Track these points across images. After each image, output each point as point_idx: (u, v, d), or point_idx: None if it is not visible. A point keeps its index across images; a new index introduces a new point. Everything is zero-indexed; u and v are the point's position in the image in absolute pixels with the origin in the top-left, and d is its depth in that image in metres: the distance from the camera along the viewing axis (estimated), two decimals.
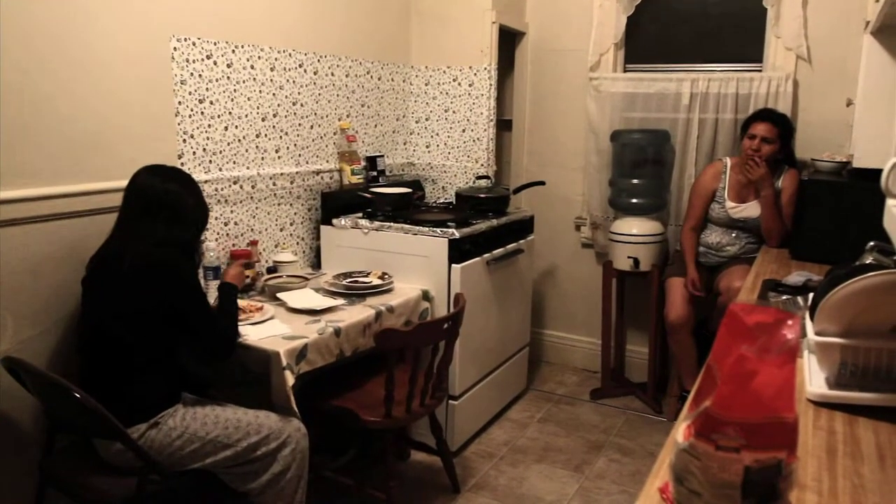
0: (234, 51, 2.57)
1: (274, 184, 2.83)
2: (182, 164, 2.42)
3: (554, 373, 3.91)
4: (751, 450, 0.83)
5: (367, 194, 3.04)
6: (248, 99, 2.67)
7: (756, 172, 2.94)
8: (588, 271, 3.82)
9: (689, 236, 3.20)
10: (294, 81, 2.88)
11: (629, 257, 3.34)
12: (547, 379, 3.82)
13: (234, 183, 2.63)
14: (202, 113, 2.48)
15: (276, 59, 2.77)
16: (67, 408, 1.80)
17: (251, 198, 2.73)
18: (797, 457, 0.87)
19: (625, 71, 3.64)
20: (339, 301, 2.49)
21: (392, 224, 2.86)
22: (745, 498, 0.85)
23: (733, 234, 3.12)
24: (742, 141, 3.06)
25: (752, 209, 3.05)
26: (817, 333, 1.36)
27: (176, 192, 1.96)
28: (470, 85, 3.53)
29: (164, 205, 1.93)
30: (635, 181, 3.38)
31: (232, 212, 2.64)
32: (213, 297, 2.47)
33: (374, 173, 3.31)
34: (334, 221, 2.96)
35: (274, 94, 2.79)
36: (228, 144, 2.60)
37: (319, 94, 3.03)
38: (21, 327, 1.97)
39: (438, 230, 2.77)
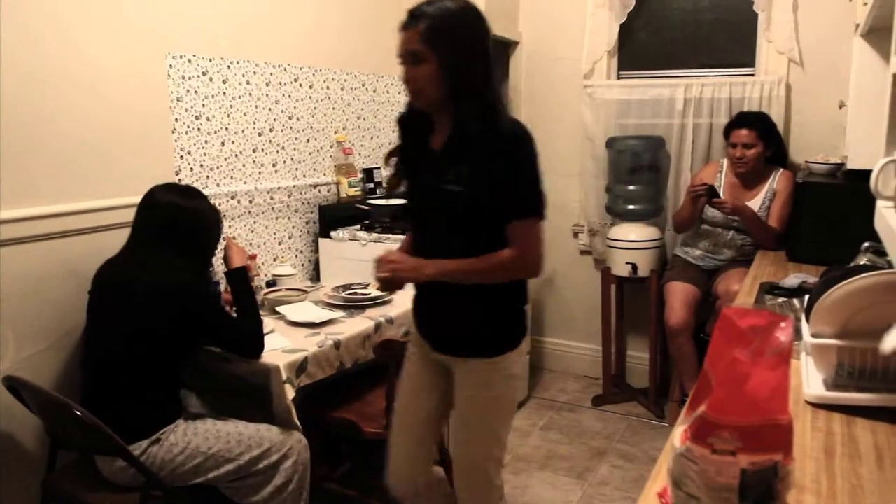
0: (229, 67, 2.59)
1: (271, 198, 2.84)
2: (180, 180, 2.43)
3: (555, 380, 3.91)
4: (746, 452, 0.84)
5: (365, 206, 3.05)
6: (245, 114, 2.68)
7: (725, 211, 2.99)
8: (587, 278, 3.83)
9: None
10: (290, 96, 2.90)
11: (627, 263, 3.34)
12: (548, 386, 3.82)
13: (232, 198, 2.65)
14: (199, 129, 2.50)
15: (271, 73, 2.79)
16: (69, 425, 1.80)
17: (249, 212, 2.74)
18: (793, 458, 0.88)
19: (618, 78, 3.66)
20: (339, 313, 2.49)
21: (390, 235, 2.87)
22: (743, 500, 0.85)
23: (729, 236, 3.13)
24: (727, 148, 3.10)
25: None
26: (813, 335, 1.37)
27: (195, 209, 2.01)
28: None
29: (183, 221, 1.97)
30: (631, 187, 3.39)
31: (230, 227, 2.65)
32: None
33: (372, 185, 3.32)
34: (332, 234, 2.97)
35: (270, 109, 2.80)
36: (225, 160, 2.62)
37: (315, 108, 3.05)
38: (22, 345, 1.97)
39: None
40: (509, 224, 1.60)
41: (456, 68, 1.56)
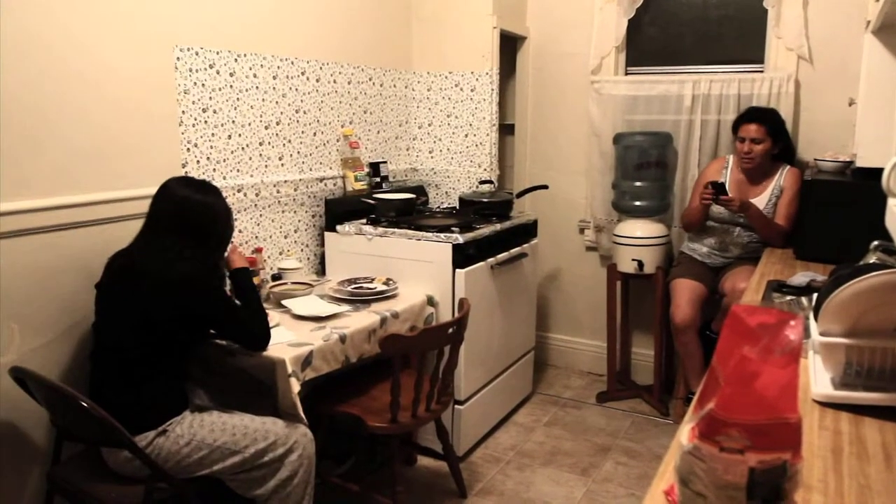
0: (236, 59, 2.59)
1: (278, 191, 2.84)
2: (186, 172, 2.43)
3: (559, 376, 3.90)
4: (755, 451, 0.83)
5: (371, 200, 3.05)
6: (251, 107, 2.68)
7: (732, 208, 2.97)
8: (592, 274, 3.82)
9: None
10: (297, 89, 2.89)
11: (633, 260, 3.34)
12: (553, 382, 3.82)
13: (238, 191, 2.65)
14: (206, 122, 2.49)
15: (278, 67, 2.78)
16: (75, 417, 1.80)
17: (255, 206, 2.74)
18: (802, 457, 0.87)
19: (626, 74, 3.64)
20: (344, 307, 2.49)
21: (396, 230, 2.87)
22: (750, 499, 0.84)
23: (735, 233, 3.12)
24: (734, 143, 3.08)
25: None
26: (822, 334, 1.36)
27: (210, 204, 2.02)
28: (472, 90, 3.54)
29: (197, 216, 1.98)
30: (638, 183, 3.38)
31: (236, 220, 2.65)
32: None
33: (378, 179, 3.32)
34: (338, 228, 2.97)
35: (277, 102, 2.80)
36: (232, 153, 2.62)
37: (322, 102, 3.04)
38: (28, 337, 1.98)
39: (442, 235, 2.77)
40: None
41: None
